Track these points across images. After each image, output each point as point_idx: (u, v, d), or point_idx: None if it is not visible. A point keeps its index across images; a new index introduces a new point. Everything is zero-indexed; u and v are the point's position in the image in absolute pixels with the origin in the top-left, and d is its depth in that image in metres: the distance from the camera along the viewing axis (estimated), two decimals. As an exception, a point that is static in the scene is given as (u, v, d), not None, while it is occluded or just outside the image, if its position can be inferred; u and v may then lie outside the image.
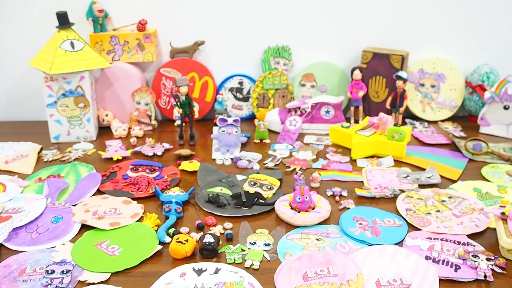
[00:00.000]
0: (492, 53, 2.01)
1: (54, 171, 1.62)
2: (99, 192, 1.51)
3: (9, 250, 1.24)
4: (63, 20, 1.79)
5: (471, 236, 1.27)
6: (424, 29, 1.99)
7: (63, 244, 1.26)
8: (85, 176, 1.58)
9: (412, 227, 1.31)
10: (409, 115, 2.05)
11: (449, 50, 2.01)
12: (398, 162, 1.67)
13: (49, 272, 1.15)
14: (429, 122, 2.01)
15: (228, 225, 1.33)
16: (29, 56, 1.94)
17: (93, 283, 1.12)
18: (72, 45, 1.79)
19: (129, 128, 1.94)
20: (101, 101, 1.97)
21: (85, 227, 1.32)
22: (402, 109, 1.86)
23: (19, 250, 1.24)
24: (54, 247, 1.25)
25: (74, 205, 1.42)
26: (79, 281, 1.13)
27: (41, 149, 1.79)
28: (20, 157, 1.72)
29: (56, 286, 1.11)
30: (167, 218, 1.35)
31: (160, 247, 1.23)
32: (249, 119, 2.07)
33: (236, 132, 1.74)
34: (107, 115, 1.96)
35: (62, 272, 1.15)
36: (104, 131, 1.95)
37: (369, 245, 1.24)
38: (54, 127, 1.84)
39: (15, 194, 1.47)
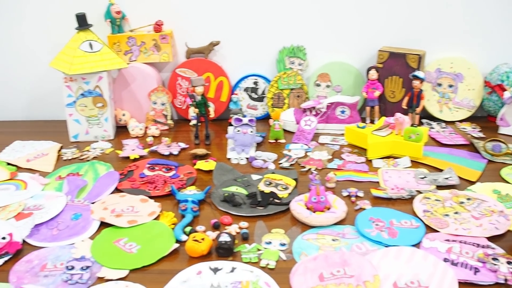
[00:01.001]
0: None
1: (73, 169, 1.64)
2: (116, 190, 1.53)
3: (31, 246, 1.26)
4: (82, 22, 1.81)
5: (491, 238, 1.26)
6: (441, 28, 1.98)
7: (83, 240, 1.28)
8: (103, 174, 1.60)
9: (429, 229, 1.31)
10: (426, 116, 2.04)
11: (467, 49, 2.00)
12: (415, 163, 1.66)
13: (69, 268, 1.17)
14: (446, 122, 2.00)
15: (244, 224, 1.33)
16: (49, 57, 1.97)
17: (112, 280, 1.14)
18: (91, 46, 1.81)
19: (146, 127, 1.96)
20: (118, 101, 1.99)
21: (103, 225, 1.34)
22: (418, 109, 1.85)
23: (40, 246, 1.26)
24: (74, 243, 1.27)
25: (93, 203, 1.44)
26: (98, 277, 1.15)
27: (61, 147, 1.82)
28: (40, 155, 1.75)
29: (76, 282, 1.13)
30: (183, 216, 1.36)
31: (177, 245, 1.24)
32: (264, 119, 2.08)
33: (251, 132, 1.75)
34: (124, 115, 1.98)
35: (82, 268, 1.17)
36: (121, 130, 1.97)
37: (386, 246, 1.24)
38: (73, 126, 1.87)
39: (36, 191, 1.50)
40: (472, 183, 1.53)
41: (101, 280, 1.14)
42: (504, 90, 1.88)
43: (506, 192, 1.46)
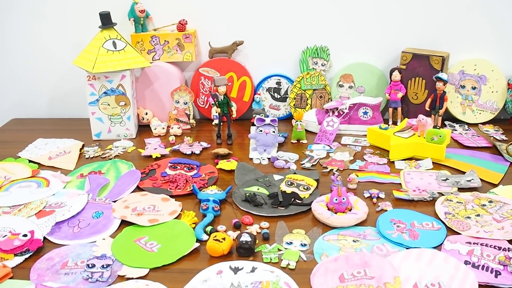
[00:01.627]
0: (537, 54, 1.96)
1: (95, 168, 1.66)
2: (138, 189, 1.54)
3: (52, 244, 1.28)
4: (106, 20, 1.83)
5: (513, 242, 1.24)
6: (465, 29, 1.96)
7: (104, 239, 1.29)
8: (125, 173, 1.61)
9: (451, 231, 1.29)
10: (449, 117, 2.01)
11: (491, 51, 1.97)
12: (437, 165, 1.64)
13: (90, 266, 1.18)
14: (469, 124, 1.97)
15: (265, 224, 1.33)
16: (72, 55, 2.00)
17: (132, 278, 1.14)
18: (114, 44, 1.83)
19: (168, 126, 1.97)
20: (141, 100, 2.01)
21: (124, 223, 1.35)
22: (441, 111, 1.83)
23: (62, 244, 1.27)
24: (95, 241, 1.28)
25: (114, 201, 1.46)
26: (119, 275, 1.15)
27: (83, 146, 1.84)
28: (63, 153, 1.77)
29: (97, 280, 1.14)
30: (204, 216, 1.37)
31: (198, 244, 1.24)
32: (287, 119, 2.07)
33: (274, 132, 1.74)
34: (146, 114, 2.00)
35: (102, 266, 1.18)
36: (144, 129, 1.99)
37: (407, 248, 1.23)
38: (96, 125, 1.89)
39: (58, 189, 1.52)
40: (495, 185, 1.51)
41: (122, 278, 1.15)
42: (530, 92, 1.85)
43: (530, 196, 1.44)
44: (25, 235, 1.26)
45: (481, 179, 1.52)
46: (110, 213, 1.39)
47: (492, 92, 1.96)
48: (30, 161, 1.72)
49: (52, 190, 1.51)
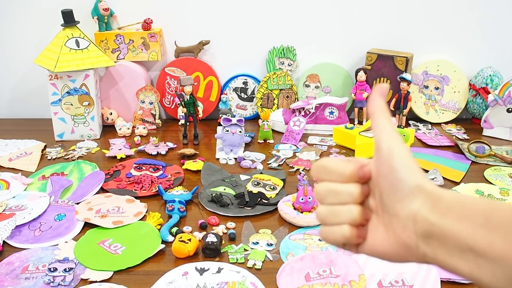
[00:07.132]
0: (496, 56, 2.00)
1: (57, 169, 1.62)
2: (102, 190, 1.51)
3: (11, 248, 1.24)
4: (69, 18, 1.79)
5: (474, 238, 1.27)
6: (428, 31, 1.99)
7: (66, 242, 1.26)
8: (88, 174, 1.58)
9: (415, 229, 1.31)
10: (413, 117, 2.04)
11: (453, 52, 2.01)
12: (401, 164, 1.66)
13: (52, 270, 1.15)
14: (432, 124, 2.01)
15: (231, 224, 1.33)
16: (34, 54, 1.95)
17: (96, 281, 1.12)
18: (77, 43, 1.79)
19: (133, 127, 1.94)
20: (105, 100, 1.97)
21: (88, 225, 1.33)
22: (406, 111, 1.85)
23: (22, 248, 1.24)
24: (57, 245, 1.25)
25: (77, 203, 1.43)
26: (82, 279, 1.13)
27: (45, 147, 1.80)
28: (24, 154, 1.72)
29: (59, 284, 1.11)
30: (170, 217, 1.35)
31: (163, 246, 1.23)
32: (253, 119, 2.07)
33: (240, 132, 1.74)
34: (111, 114, 1.97)
35: (65, 270, 1.15)
36: (108, 129, 1.95)
37: (372, 247, 1.24)
38: (58, 125, 1.85)
39: (18, 191, 1.48)
40: (456, 183, 1.54)
41: (85, 282, 1.12)
42: (488, 93, 1.89)
43: (489, 193, 1.47)
44: (-17, 239, 1.22)
45: (443, 177, 1.55)
46: (73, 215, 1.36)
47: (455, 92, 2.00)
48: (-11, 162, 1.67)
49: (12, 192, 1.47)
